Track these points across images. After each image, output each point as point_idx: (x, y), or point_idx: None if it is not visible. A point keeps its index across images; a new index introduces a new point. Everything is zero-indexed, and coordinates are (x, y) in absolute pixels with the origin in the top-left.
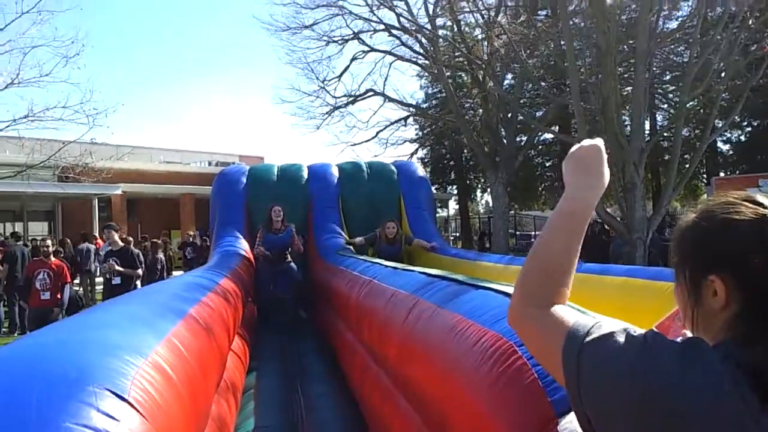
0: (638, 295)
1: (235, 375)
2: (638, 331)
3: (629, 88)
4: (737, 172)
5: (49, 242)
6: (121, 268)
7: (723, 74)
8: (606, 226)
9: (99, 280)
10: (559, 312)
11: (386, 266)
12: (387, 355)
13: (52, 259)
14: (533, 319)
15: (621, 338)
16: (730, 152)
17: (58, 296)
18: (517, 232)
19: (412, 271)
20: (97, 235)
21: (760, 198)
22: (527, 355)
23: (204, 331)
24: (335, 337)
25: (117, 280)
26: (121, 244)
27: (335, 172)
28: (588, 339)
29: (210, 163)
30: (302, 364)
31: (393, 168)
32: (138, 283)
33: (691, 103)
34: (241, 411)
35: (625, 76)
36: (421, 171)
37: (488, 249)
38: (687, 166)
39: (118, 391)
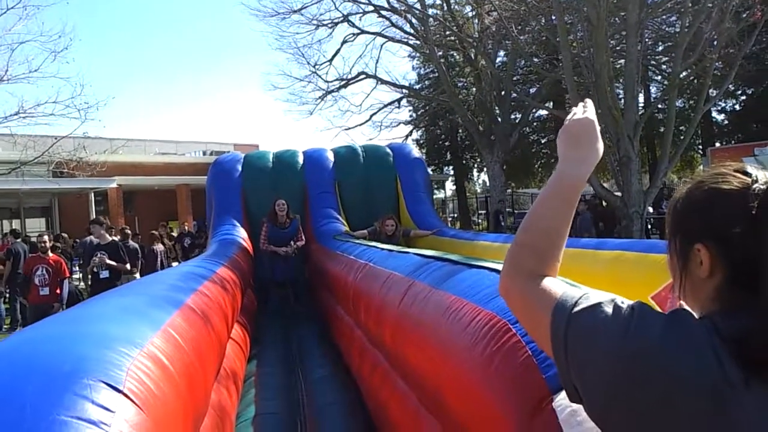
0: (631, 269)
1: (235, 363)
2: (626, 302)
3: (622, 61)
4: (733, 141)
5: (46, 238)
6: (111, 261)
7: (715, 42)
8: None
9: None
10: (548, 284)
11: (382, 249)
12: (384, 336)
13: (50, 254)
14: (523, 290)
15: (608, 309)
16: (725, 122)
17: (58, 291)
18: (515, 211)
19: (407, 253)
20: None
21: (750, 169)
22: (521, 332)
23: (201, 321)
24: (333, 321)
25: (105, 274)
26: (109, 238)
27: (330, 156)
28: (575, 310)
29: (205, 153)
30: (302, 348)
31: (388, 150)
32: (137, 276)
33: (684, 73)
34: (242, 398)
35: (617, 48)
36: (416, 152)
37: (503, 228)
38: (682, 137)
39: (112, 383)
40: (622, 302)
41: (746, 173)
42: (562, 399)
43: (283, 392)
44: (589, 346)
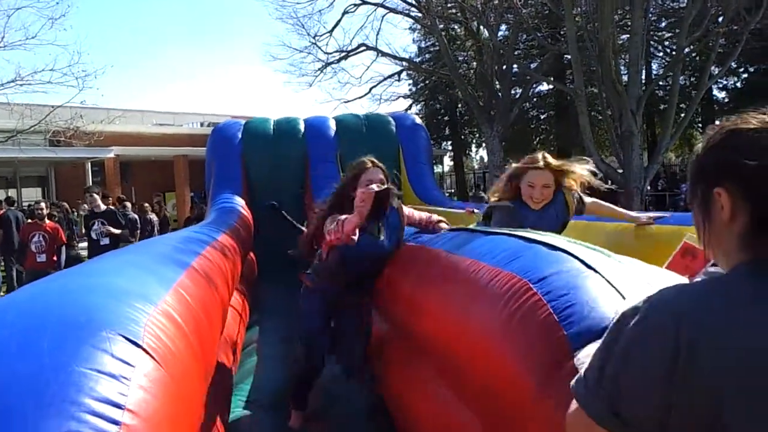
0: (629, 241)
1: (233, 331)
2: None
3: (624, 37)
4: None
5: (43, 205)
6: (114, 229)
7: (721, 18)
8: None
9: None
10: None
11: None
12: (396, 305)
13: (47, 221)
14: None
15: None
16: (726, 99)
17: (54, 258)
18: None
19: None
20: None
21: None
22: (543, 291)
23: (207, 283)
24: None
25: (106, 241)
26: (104, 207)
27: (332, 125)
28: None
29: (202, 124)
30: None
31: (391, 120)
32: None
33: (688, 49)
34: (242, 366)
35: (620, 23)
36: (418, 121)
37: None
38: (683, 114)
39: (131, 337)
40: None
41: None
42: (584, 356)
43: (284, 359)
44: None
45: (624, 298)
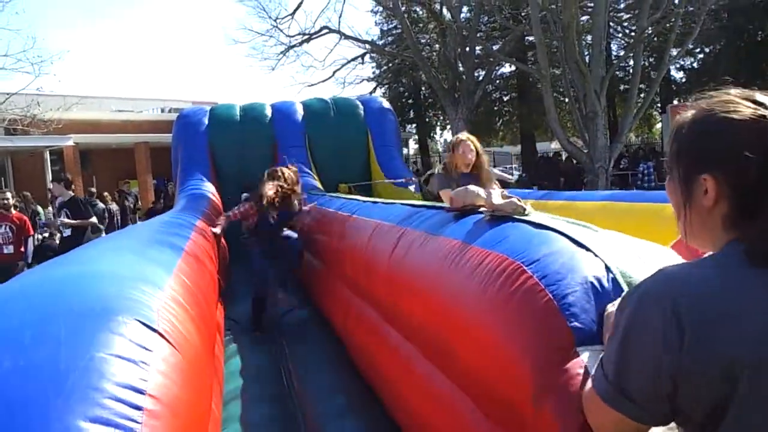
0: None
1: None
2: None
3: (585, 17)
4: (690, 99)
5: (9, 195)
6: (72, 221)
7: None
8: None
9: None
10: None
11: (364, 201)
12: (375, 289)
13: (13, 212)
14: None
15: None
16: (683, 80)
17: (22, 249)
18: None
19: (393, 203)
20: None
21: (759, 97)
22: (539, 274)
23: (200, 267)
24: (310, 276)
25: (68, 232)
26: (71, 194)
27: (300, 109)
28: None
29: (163, 110)
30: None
31: (358, 103)
32: (104, 235)
33: (649, 29)
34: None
35: (581, 4)
36: (385, 104)
37: None
38: (642, 95)
39: (147, 322)
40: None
41: (758, 102)
42: (588, 355)
43: (263, 344)
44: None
45: (616, 275)
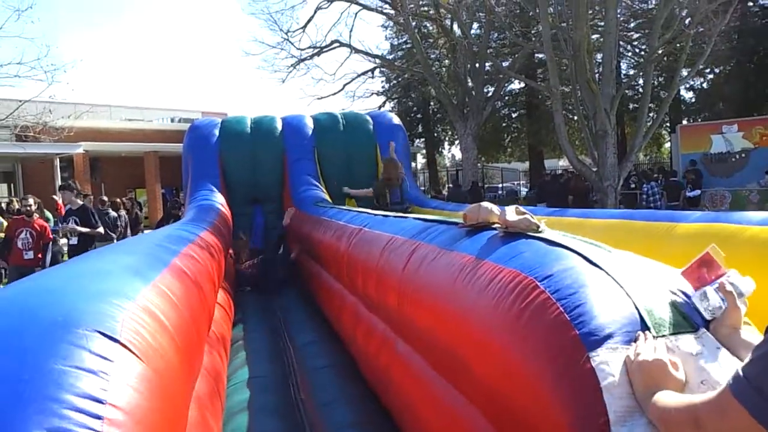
0: (620, 237)
1: (223, 327)
2: None
3: (595, 36)
4: (699, 119)
5: (31, 201)
6: (81, 228)
7: (688, 21)
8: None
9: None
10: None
11: (375, 215)
12: (387, 303)
13: (35, 218)
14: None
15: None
16: (692, 100)
17: (40, 256)
18: (485, 185)
19: (406, 218)
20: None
21: None
22: (551, 289)
23: (190, 280)
24: (319, 289)
25: (74, 241)
26: (80, 202)
27: (310, 123)
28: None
29: (173, 120)
30: (286, 315)
31: (368, 118)
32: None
33: (660, 50)
34: (231, 362)
35: (592, 23)
36: (396, 120)
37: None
38: (652, 114)
39: (109, 333)
40: None
41: None
42: (602, 360)
43: (272, 355)
44: None
45: (629, 295)
